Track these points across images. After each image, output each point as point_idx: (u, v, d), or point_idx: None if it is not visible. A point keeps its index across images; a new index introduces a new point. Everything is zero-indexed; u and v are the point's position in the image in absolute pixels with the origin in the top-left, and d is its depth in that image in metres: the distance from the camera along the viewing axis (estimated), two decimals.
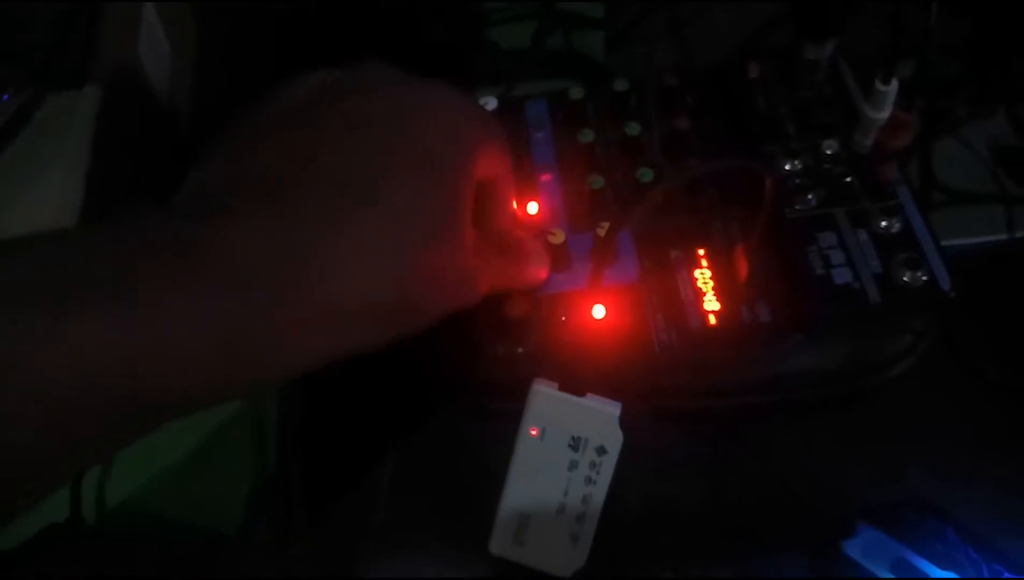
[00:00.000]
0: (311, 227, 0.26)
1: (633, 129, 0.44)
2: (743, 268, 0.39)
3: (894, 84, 0.39)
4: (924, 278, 0.37)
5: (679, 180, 0.39)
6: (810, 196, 0.40)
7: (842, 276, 0.38)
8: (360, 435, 0.41)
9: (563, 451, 0.34)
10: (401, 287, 0.27)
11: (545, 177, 0.45)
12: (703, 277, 0.40)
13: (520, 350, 0.39)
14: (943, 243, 0.38)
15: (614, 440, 0.34)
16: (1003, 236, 0.47)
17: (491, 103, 0.46)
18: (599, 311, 0.39)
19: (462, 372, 0.40)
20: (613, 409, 0.34)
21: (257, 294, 0.24)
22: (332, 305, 0.26)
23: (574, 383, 0.35)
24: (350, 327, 0.26)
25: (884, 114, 0.40)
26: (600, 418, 0.34)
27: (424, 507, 0.39)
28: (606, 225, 0.40)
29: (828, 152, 0.42)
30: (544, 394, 0.35)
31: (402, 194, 0.28)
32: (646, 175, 0.42)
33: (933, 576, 0.34)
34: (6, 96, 0.36)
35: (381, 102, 0.29)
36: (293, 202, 0.26)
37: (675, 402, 0.38)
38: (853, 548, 0.36)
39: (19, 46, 0.39)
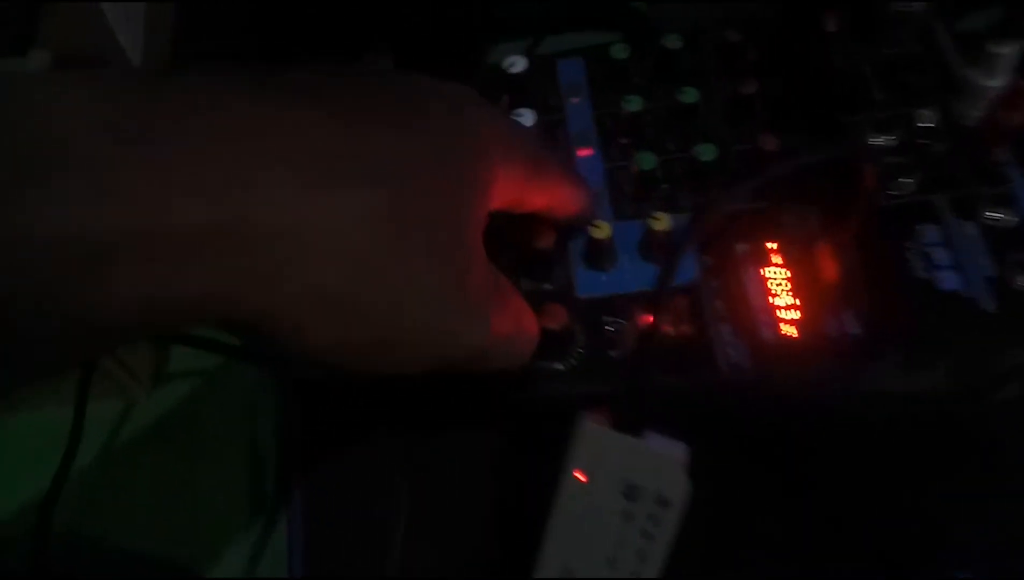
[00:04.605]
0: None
1: (689, 96, 0.37)
2: (829, 268, 0.33)
3: (1014, 46, 0.33)
4: None
5: (778, 173, 0.33)
6: (906, 179, 0.34)
7: (948, 281, 0.31)
8: (372, 459, 0.35)
9: (616, 500, 0.28)
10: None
11: (583, 153, 0.38)
12: (776, 278, 0.33)
13: (559, 367, 0.33)
14: None
15: (678, 489, 0.28)
16: None
17: (519, 63, 0.39)
18: (650, 320, 0.33)
19: (487, 389, 0.34)
20: (678, 452, 0.28)
21: None
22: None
23: (630, 419, 0.28)
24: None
25: (998, 82, 0.33)
26: (662, 463, 0.28)
27: (446, 555, 0.33)
28: (661, 215, 0.33)
29: (924, 125, 0.35)
30: (594, 433, 0.28)
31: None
32: (707, 152, 0.35)
33: None
34: None
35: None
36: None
37: (745, 431, 0.32)
38: None
39: None
